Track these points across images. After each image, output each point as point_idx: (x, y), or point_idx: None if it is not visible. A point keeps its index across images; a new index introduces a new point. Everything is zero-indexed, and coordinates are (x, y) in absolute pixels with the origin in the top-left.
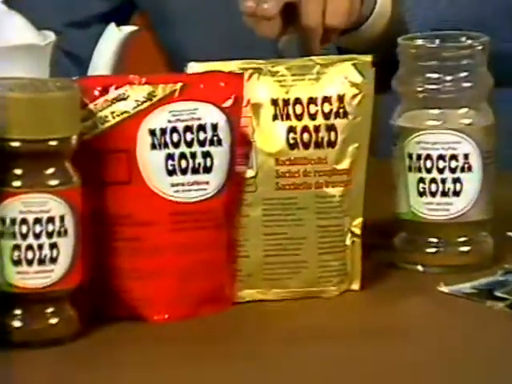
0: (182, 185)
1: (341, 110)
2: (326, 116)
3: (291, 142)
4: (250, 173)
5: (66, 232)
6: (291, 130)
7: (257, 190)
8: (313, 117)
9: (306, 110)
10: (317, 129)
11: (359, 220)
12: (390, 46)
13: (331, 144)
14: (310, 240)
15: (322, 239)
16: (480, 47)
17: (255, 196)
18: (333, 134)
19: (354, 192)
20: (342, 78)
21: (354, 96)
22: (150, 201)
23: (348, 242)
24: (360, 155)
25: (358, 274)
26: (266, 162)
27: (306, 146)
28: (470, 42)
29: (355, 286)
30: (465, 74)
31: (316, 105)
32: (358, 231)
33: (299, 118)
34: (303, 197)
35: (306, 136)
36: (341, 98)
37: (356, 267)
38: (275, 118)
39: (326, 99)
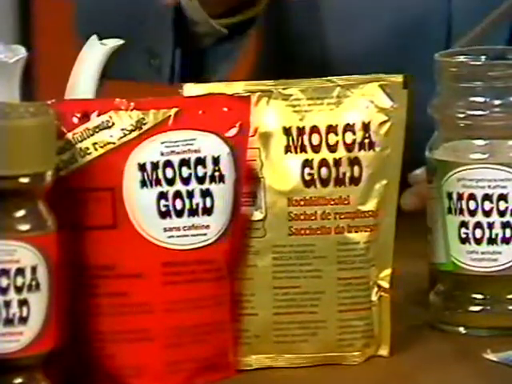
0: (177, 229)
1: (366, 141)
2: (349, 147)
3: (307, 178)
4: (257, 215)
5: (38, 286)
6: (307, 164)
7: (266, 236)
8: (332, 148)
9: (324, 140)
10: (337, 163)
11: (388, 271)
12: None
13: (355, 181)
14: (329, 295)
15: (344, 294)
16: None
17: (264, 243)
18: (356, 168)
19: (381, 238)
20: (368, 103)
21: (382, 124)
22: (138, 248)
23: (374, 297)
24: (389, 194)
25: (386, 336)
26: (277, 203)
27: (325, 183)
28: None
29: (384, 352)
30: None
31: (336, 134)
32: (386, 285)
33: (316, 149)
34: (321, 244)
35: (324, 171)
36: (366, 127)
37: (384, 328)
38: (288, 149)
39: (349, 127)
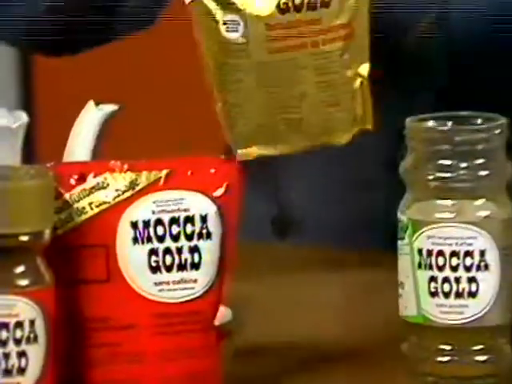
0: (167, 283)
1: None
2: None
3: (282, 7)
4: (240, 39)
5: (36, 338)
6: None
7: (250, 57)
8: None
9: None
10: None
11: (366, 65)
12: None
13: (325, 4)
14: (312, 96)
15: (325, 93)
16: (497, 130)
17: (249, 62)
18: None
19: (356, 43)
20: None
21: None
22: (130, 301)
23: (357, 85)
24: (360, 8)
25: (369, 115)
26: (257, 29)
27: (298, 8)
28: (486, 124)
29: (368, 126)
30: (481, 160)
31: None
32: (365, 74)
33: None
34: (299, 56)
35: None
36: None
37: (367, 110)
38: None
39: None
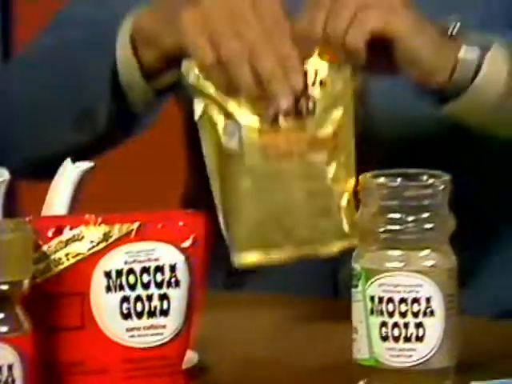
0: (138, 329)
1: (317, 80)
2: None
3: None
4: (235, 146)
5: (13, 383)
6: None
7: (244, 163)
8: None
9: None
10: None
11: (352, 181)
12: None
13: (310, 112)
14: (299, 204)
15: (311, 203)
16: (442, 186)
17: (243, 169)
18: (311, 103)
19: (341, 156)
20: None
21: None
22: (103, 347)
23: (344, 203)
24: (345, 121)
25: (356, 231)
26: (251, 136)
27: (287, 115)
28: (431, 180)
29: (356, 241)
30: (427, 214)
31: None
32: (352, 191)
33: None
34: (287, 166)
35: None
36: (317, 71)
37: (354, 226)
38: None
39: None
